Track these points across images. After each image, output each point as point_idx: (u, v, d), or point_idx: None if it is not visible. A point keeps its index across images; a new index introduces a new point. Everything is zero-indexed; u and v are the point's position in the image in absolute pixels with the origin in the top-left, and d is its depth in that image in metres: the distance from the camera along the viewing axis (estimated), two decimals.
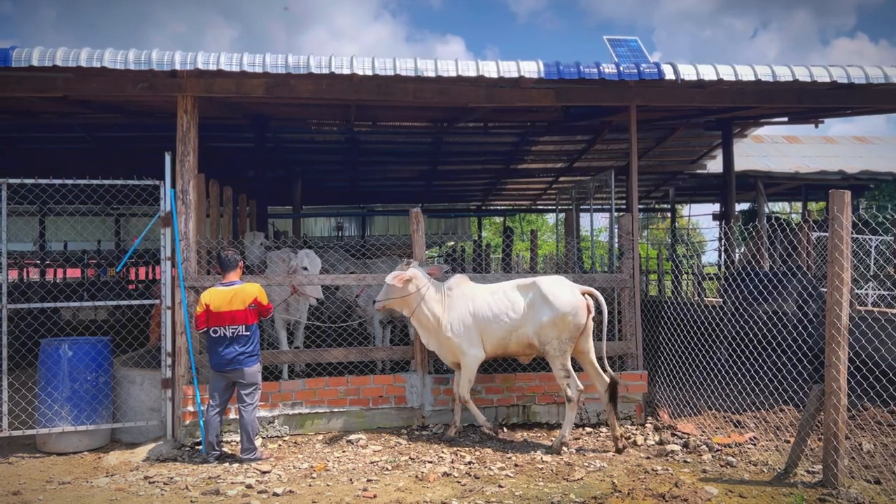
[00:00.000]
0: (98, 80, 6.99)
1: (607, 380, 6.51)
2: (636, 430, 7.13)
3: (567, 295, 6.46)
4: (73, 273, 19.41)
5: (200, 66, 6.60)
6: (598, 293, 6.66)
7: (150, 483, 5.66)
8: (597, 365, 6.61)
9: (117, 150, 12.47)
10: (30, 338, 7.52)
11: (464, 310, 6.69)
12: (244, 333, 6.21)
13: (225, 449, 6.50)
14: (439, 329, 6.71)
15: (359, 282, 8.01)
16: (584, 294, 6.54)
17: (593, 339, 6.63)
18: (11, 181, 6.69)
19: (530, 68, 7.01)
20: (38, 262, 18.70)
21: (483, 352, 6.70)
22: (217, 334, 6.21)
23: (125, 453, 6.58)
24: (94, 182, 6.90)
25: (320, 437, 7.01)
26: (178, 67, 6.60)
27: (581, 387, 6.52)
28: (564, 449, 6.36)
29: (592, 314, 6.52)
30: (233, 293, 6.24)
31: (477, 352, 6.67)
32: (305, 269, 7.74)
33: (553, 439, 6.75)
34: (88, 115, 9.74)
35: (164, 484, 5.63)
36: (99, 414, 6.80)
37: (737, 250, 13.95)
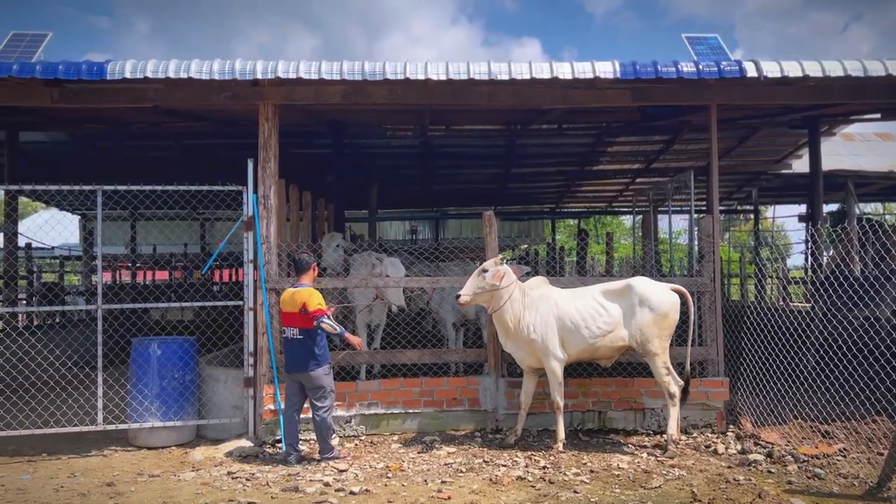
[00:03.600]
0: (185, 90, 7.31)
1: (681, 382, 6.65)
2: (717, 438, 6.92)
3: (663, 294, 6.62)
4: (162, 275, 20.23)
5: (281, 75, 6.81)
6: (685, 290, 6.79)
7: (233, 479, 5.87)
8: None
9: (202, 156, 12.98)
10: (122, 337, 7.90)
11: (547, 312, 6.67)
12: (298, 336, 6.28)
13: (304, 447, 6.66)
14: (518, 330, 6.69)
15: (433, 284, 8.08)
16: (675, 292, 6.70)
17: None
18: (106, 188, 7.07)
19: (605, 69, 6.93)
20: (130, 264, 19.60)
21: (565, 355, 6.69)
22: (284, 335, 6.40)
23: (210, 449, 6.83)
24: (181, 188, 7.21)
25: (395, 437, 7.10)
26: (259, 76, 6.83)
27: (682, 383, 6.59)
28: (673, 448, 6.42)
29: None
30: (291, 295, 6.36)
31: (560, 355, 6.68)
32: (388, 277, 7.81)
33: (630, 445, 6.63)
34: (175, 124, 10.17)
35: (247, 480, 5.82)
36: (185, 410, 7.08)
37: (825, 253, 13.34)
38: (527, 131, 11.89)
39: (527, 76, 6.86)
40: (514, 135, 12.24)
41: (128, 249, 20.17)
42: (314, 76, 6.85)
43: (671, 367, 6.59)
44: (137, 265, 19.63)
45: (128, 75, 6.72)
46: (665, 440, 6.60)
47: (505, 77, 6.86)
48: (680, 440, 6.65)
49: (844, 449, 6.30)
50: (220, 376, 7.49)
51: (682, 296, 6.72)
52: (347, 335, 6.38)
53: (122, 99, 7.43)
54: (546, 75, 6.89)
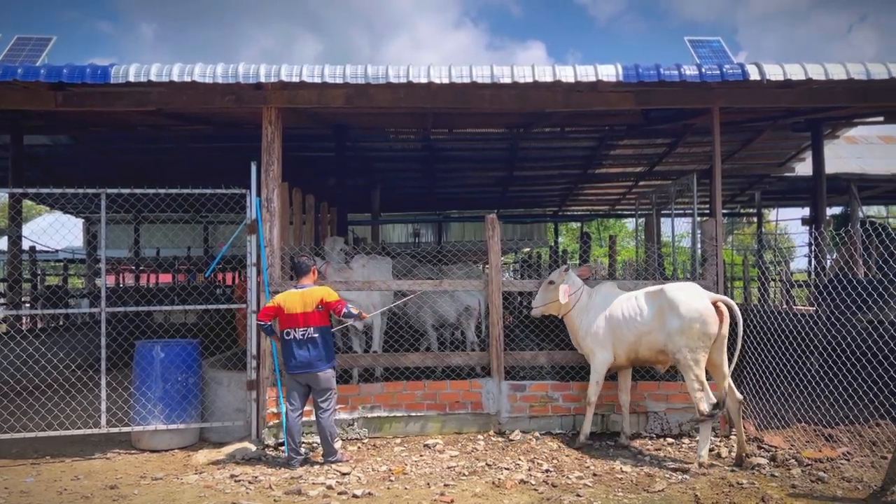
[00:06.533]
0: (189, 94, 7.33)
1: (739, 396, 6.35)
2: (720, 441, 6.90)
3: (695, 302, 6.26)
4: (165, 278, 20.28)
5: (284, 79, 6.83)
6: (732, 302, 6.41)
7: (235, 481, 5.87)
8: (730, 380, 6.36)
9: (205, 160, 13.01)
10: (125, 340, 7.92)
11: (599, 313, 6.78)
12: (313, 335, 6.31)
13: (306, 450, 6.66)
14: (578, 331, 6.90)
15: (412, 288, 8.04)
16: (715, 303, 6.29)
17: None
18: (110, 191, 7.09)
19: (608, 72, 6.93)
20: (133, 267, 19.64)
21: (612, 355, 6.72)
22: (290, 336, 6.37)
23: (213, 452, 6.83)
24: (185, 191, 7.22)
25: (398, 440, 7.10)
26: (262, 80, 6.85)
27: (714, 400, 6.14)
28: (702, 469, 5.94)
29: (726, 323, 6.24)
30: (302, 295, 6.38)
31: (606, 355, 6.73)
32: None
33: (633, 448, 6.62)
34: (179, 127, 10.21)
35: (249, 483, 5.83)
36: (188, 413, 7.09)
37: (828, 256, 13.32)
38: (529, 134, 11.91)
39: (529, 79, 6.87)
40: (517, 138, 12.25)
41: (131, 252, 20.23)
42: (317, 80, 6.86)
43: (706, 383, 6.19)
44: (141, 268, 19.67)
45: (131, 79, 6.74)
46: (692, 468, 5.99)
47: (508, 80, 6.87)
48: (710, 464, 6.08)
49: (848, 452, 6.29)
50: (223, 379, 7.50)
51: (729, 307, 6.30)
52: (362, 313, 6.63)
53: (126, 102, 7.45)
54: (549, 78, 6.90)
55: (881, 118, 10.57)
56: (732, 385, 6.37)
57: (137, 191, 7.19)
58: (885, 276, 10.39)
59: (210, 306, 8.39)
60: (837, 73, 6.87)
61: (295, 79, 6.85)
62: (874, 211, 24.78)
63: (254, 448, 6.90)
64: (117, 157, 13.21)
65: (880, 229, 10.82)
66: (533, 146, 13.16)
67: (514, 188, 17.90)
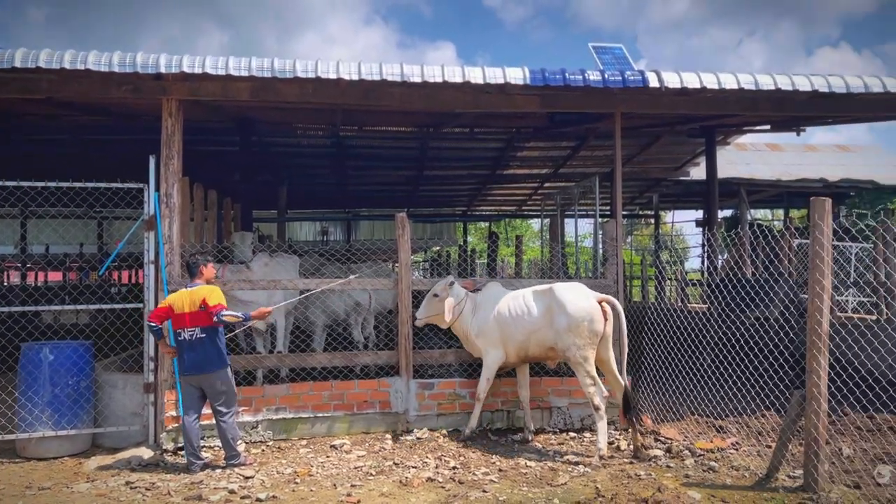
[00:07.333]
0: (83, 82, 6.94)
1: (606, 392, 6.61)
2: (620, 435, 7.16)
3: (582, 302, 6.46)
4: (55, 276, 19.22)
5: (186, 70, 6.59)
6: (615, 301, 6.67)
7: (131, 488, 5.62)
8: (617, 374, 6.58)
9: (103, 153, 12.38)
10: (10, 342, 7.43)
11: (489, 313, 6.89)
12: (201, 336, 6.09)
13: (208, 455, 6.46)
14: (469, 334, 7.02)
15: (320, 286, 7.98)
16: (601, 302, 6.53)
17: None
18: None
19: (516, 75, 7.05)
20: (20, 265, 18.50)
21: (503, 353, 6.84)
22: (180, 337, 6.15)
23: (106, 458, 6.51)
24: (77, 185, 6.85)
25: (304, 441, 6.99)
26: (163, 70, 6.58)
27: (606, 393, 6.44)
28: (602, 462, 6.13)
29: (610, 322, 6.51)
30: (190, 294, 6.17)
31: (497, 353, 6.85)
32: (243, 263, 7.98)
33: (537, 443, 6.77)
34: (73, 118, 9.67)
35: (146, 489, 5.59)
36: (80, 419, 6.73)
37: (720, 256, 14.06)
38: (440, 134, 11.97)
39: (439, 79, 6.91)
40: (427, 137, 12.29)
41: (17, 249, 19.02)
42: (221, 72, 6.65)
43: (597, 378, 6.43)
44: (28, 266, 18.55)
45: (18, 64, 6.33)
46: (593, 461, 6.14)
47: (418, 79, 6.88)
48: (609, 456, 6.31)
49: (737, 442, 6.66)
50: (118, 382, 7.16)
51: (612, 306, 6.57)
52: (253, 313, 6.32)
53: (13, 89, 6.97)
54: (458, 79, 6.95)
55: (768, 127, 11.26)
56: (619, 377, 6.58)
57: (24, 184, 6.75)
58: (770, 275, 11.06)
59: (104, 306, 8.00)
60: (729, 82, 7.25)
61: (198, 70, 6.62)
62: (761, 214, 26.33)
63: (151, 453, 6.62)
64: (4, 149, 12.36)
65: (766, 231, 11.51)
66: (443, 146, 13.23)
67: (424, 187, 17.96)
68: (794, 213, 20.21)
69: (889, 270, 10.58)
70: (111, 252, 12.56)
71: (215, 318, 5.99)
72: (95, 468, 6.26)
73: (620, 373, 6.53)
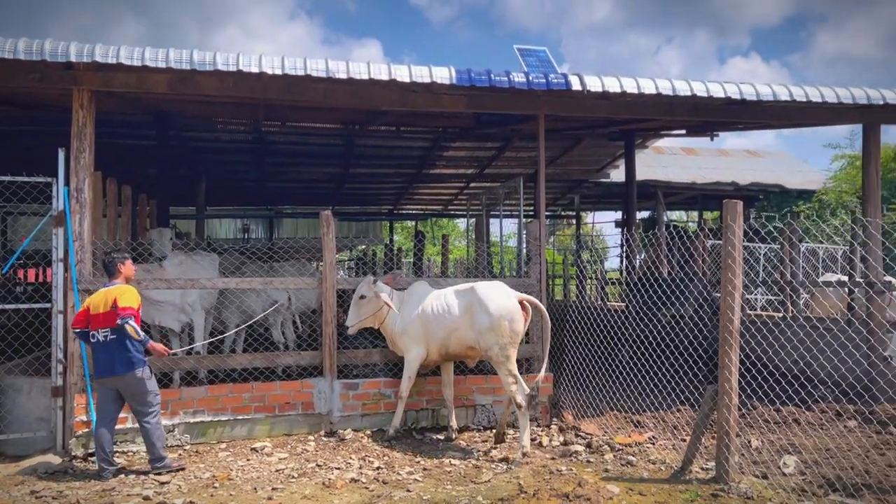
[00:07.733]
0: None
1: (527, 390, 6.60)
2: (542, 431, 7.27)
3: (503, 300, 6.49)
4: None
5: (99, 59, 6.29)
6: (536, 300, 6.78)
7: (37, 498, 5.33)
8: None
9: (8, 144, 11.72)
10: None
11: (413, 311, 6.89)
12: (111, 337, 5.84)
13: (121, 460, 6.20)
14: (394, 331, 6.99)
15: (240, 286, 7.83)
16: (521, 301, 6.58)
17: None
18: None
19: (442, 74, 7.06)
20: None
21: (425, 351, 6.84)
22: (94, 339, 5.89)
23: (9, 466, 6.16)
24: None
25: (223, 445, 6.80)
26: (73, 59, 6.27)
27: (528, 391, 6.42)
28: (525, 458, 6.17)
29: (529, 321, 6.63)
30: (105, 294, 5.91)
31: (419, 351, 6.85)
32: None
33: (462, 441, 6.80)
34: None
35: (53, 498, 5.31)
36: None
37: (638, 256, 14.50)
38: (366, 132, 11.88)
39: (365, 76, 6.84)
40: (353, 135, 12.18)
41: None
42: (137, 62, 6.38)
43: (518, 376, 6.46)
44: None
45: None
46: (515, 457, 6.16)
47: (343, 76, 6.79)
48: (532, 453, 6.37)
49: (653, 437, 6.87)
50: (22, 386, 6.79)
51: (533, 305, 6.68)
52: (151, 344, 5.93)
53: None
54: (384, 77, 6.90)
55: (684, 131, 11.68)
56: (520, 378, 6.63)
57: None
58: (685, 274, 11.47)
59: (8, 306, 7.58)
60: (648, 87, 7.47)
61: (111, 60, 6.33)
62: (676, 215, 27.31)
63: (60, 460, 6.31)
64: None
65: (682, 232, 11.93)
66: (369, 144, 13.15)
67: (350, 185, 17.80)
68: (708, 215, 21.05)
69: (794, 270, 11.16)
70: (16, 249, 11.90)
71: (118, 321, 5.70)
72: None
73: (542, 369, 6.65)
